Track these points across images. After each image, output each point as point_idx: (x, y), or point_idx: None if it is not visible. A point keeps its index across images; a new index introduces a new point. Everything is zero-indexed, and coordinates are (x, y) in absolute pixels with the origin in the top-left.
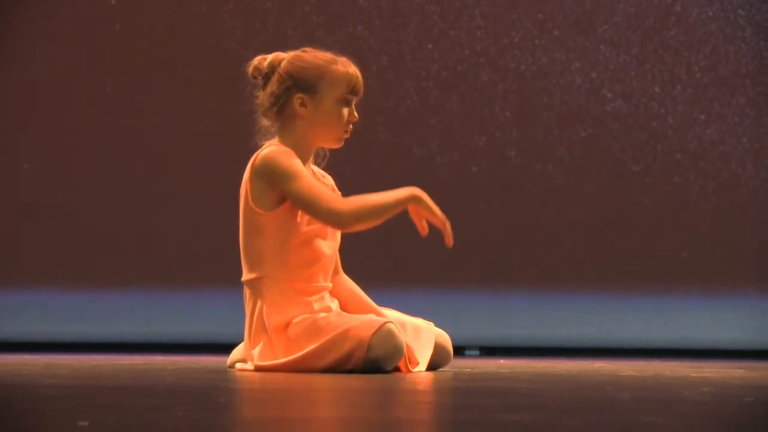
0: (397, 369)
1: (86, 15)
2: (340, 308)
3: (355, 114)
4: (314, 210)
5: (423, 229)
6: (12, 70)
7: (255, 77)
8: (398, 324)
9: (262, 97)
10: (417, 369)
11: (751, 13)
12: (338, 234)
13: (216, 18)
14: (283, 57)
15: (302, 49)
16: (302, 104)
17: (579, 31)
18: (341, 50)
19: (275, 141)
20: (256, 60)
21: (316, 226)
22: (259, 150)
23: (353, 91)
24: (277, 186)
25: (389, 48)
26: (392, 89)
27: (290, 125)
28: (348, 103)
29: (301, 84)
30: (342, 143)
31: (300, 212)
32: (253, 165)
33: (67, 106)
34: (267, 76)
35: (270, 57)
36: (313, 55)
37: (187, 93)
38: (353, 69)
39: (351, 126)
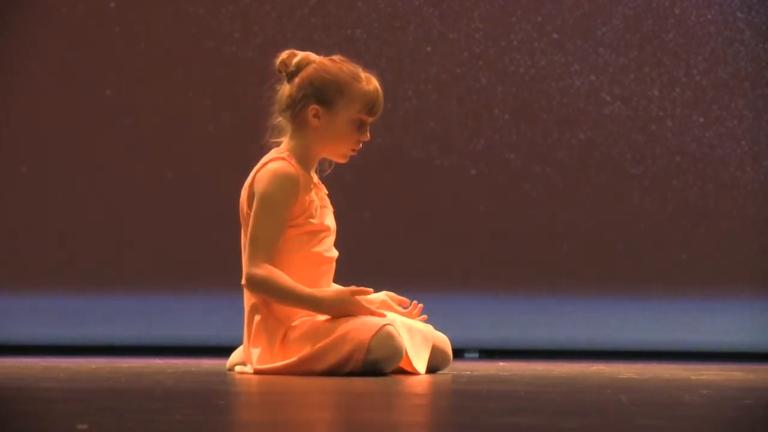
0: (396, 371)
1: (85, 17)
2: None
3: (368, 135)
4: (248, 249)
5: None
6: (10, 73)
7: (280, 71)
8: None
9: (281, 94)
10: (417, 366)
11: (750, 15)
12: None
13: (215, 20)
14: (312, 60)
15: (332, 57)
16: (316, 116)
17: (578, 34)
18: (340, 53)
19: (284, 148)
20: (285, 54)
21: (317, 230)
22: (268, 157)
23: (370, 111)
24: (255, 198)
25: (388, 50)
26: (391, 92)
27: (301, 131)
28: (362, 124)
29: (319, 95)
30: (347, 160)
31: (303, 219)
32: (257, 172)
33: (66, 109)
34: (292, 75)
35: (300, 56)
36: (339, 68)
37: (186, 95)
38: (374, 87)
39: (360, 145)
